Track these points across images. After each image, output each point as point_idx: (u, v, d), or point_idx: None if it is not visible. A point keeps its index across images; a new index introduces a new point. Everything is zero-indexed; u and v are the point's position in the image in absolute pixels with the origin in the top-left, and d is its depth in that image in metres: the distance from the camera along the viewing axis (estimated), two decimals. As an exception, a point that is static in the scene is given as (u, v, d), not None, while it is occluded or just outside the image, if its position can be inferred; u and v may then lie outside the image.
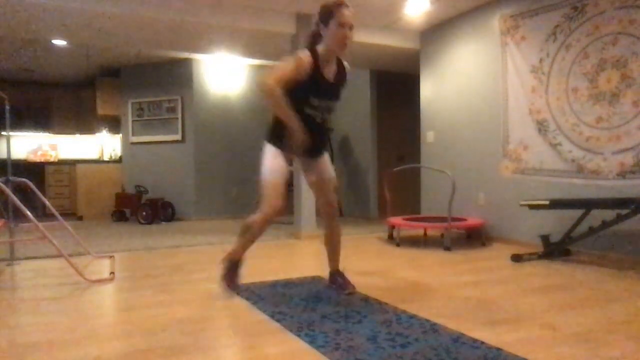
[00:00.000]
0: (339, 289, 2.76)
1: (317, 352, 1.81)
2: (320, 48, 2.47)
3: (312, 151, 2.60)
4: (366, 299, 2.55)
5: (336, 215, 2.75)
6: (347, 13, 2.41)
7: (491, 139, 4.60)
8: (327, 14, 2.43)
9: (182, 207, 6.85)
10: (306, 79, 2.44)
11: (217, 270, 2.75)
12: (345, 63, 2.64)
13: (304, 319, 2.23)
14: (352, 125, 7.17)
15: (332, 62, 2.54)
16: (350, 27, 2.44)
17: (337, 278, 2.80)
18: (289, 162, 2.61)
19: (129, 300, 2.63)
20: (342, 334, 2.01)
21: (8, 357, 1.82)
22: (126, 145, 7.26)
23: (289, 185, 6.34)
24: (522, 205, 3.80)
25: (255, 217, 2.52)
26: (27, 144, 7.84)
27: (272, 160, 2.54)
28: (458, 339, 1.94)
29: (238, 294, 2.45)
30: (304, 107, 2.47)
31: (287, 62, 2.42)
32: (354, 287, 2.72)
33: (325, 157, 2.72)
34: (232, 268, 2.65)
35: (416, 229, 5.11)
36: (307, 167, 2.71)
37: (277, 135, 2.53)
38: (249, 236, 2.58)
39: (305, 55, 2.44)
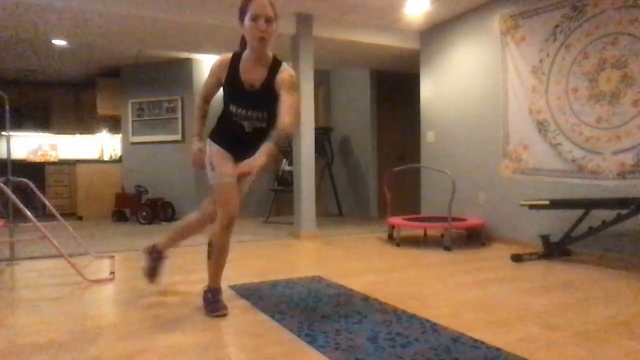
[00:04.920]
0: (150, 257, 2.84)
1: (317, 352, 1.81)
2: (246, 50, 2.28)
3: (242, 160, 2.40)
4: (366, 299, 2.55)
5: (212, 221, 2.49)
6: (260, 3, 2.14)
7: (491, 139, 4.60)
8: (242, 10, 2.20)
9: (182, 207, 6.83)
10: (225, 84, 2.30)
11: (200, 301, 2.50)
12: (285, 66, 2.32)
13: (304, 319, 2.23)
14: (352, 125, 7.17)
15: (261, 66, 2.28)
16: (267, 19, 2.16)
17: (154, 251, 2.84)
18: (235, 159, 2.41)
19: (129, 300, 2.63)
20: (342, 334, 2.01)
21: (8, 357, 1.82)
22: (126, 145, 7.26)
23: (288, 185, 6.36)
24: (522, 205, 3.80)
25: (213, 231, 2.31)
26: (27, 144, 7.83)
27: (218, 160, 2.35)
28: (458, 339, 1.94)
29: (226, 313, 2.30)
30: (230, 115, 2.32)
31: None
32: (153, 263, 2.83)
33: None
34: (213, 296, 2.36)
35: (416, 229, 5.11)
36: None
37: (220, 132, 2.41)
38: (215, 257, 2.34)
39: (223, 57, 2.29)
